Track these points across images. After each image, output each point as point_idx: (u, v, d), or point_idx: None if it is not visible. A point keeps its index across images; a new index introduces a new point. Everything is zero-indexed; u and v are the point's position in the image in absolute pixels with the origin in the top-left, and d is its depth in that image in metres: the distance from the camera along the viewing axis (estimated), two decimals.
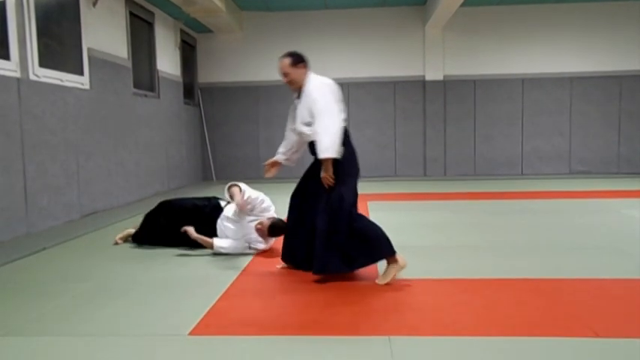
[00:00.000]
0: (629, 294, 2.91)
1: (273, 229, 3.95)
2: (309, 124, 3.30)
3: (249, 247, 4.08)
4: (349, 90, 10.00)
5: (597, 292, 2.95)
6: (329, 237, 3.19)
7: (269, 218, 4.04)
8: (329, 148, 3.14)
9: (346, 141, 3.28)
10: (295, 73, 3.38)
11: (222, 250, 4.01)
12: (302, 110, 3.35)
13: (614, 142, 9.96)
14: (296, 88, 3.42)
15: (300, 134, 3.44)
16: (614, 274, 3.31)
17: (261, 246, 4.09)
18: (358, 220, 3.28)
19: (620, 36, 9.76)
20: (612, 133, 9.95)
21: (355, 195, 3.37)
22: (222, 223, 4.17)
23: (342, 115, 3.29)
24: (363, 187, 8.72)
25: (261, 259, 3.91)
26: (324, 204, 3.24)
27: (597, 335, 2.32)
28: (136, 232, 4.45)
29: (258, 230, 4.02)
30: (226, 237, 4.12)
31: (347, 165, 3.27)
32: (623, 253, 3.87)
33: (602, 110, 9.92)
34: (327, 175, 3.19)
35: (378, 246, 3.20)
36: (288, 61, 3.40)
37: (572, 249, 4.03)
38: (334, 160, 3.18)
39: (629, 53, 9.77)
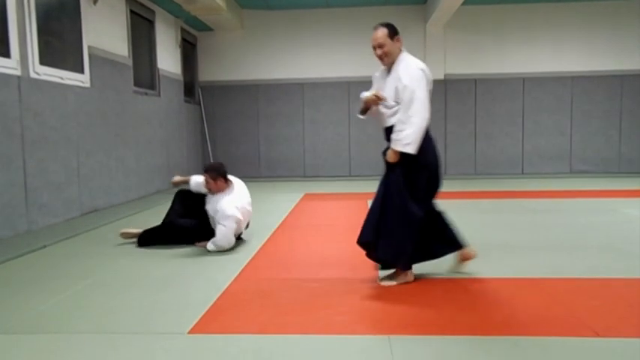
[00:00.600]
0: (630, 293, 2.90)
1: (206, 169, 4.15)
2: (389, 107, 3.09)
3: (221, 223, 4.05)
4: (350, 88, 10.00)
5: (598, 291, 2.95)
6: (378, 217, 3.06)
7: None
8: (409, 143, 2.93)
9: (425, 133, 3.03)
10: (392, 45, 3.10)
11: (215, 249, 4.03)
12: (387, 91, 3.09)
13: (615, 141, 9.95)
14: (387, 63, 3.15)
15: (378, 114, 3.20)
16: (615, 273, 3.31)
17: (229, 212, 4.01)
18: (409, 217, 3.02)
19: (622, 35, 9.74)
20: (613, 133, 9.94)
21: (418, 189, 3.05)
22: (214, 209, 4.17)
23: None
24: (362, 186, 8.77)
25: (261, 258, 3.90)
26: (382, 187, 3.10)
27: (598, 335, 2.31)
28: (145, 233, 4.38)
29: (206, 184, 4.15)
30: (219, 218, 4.08)
31: (420, 158, 3.01)
32: (623, 252, 3.87)
33: (603, 109, 9.91)
34: (392, 160, 3.03)
35: (402, 254, 3.07)
36: (385, 31, 3.10)
37: (573, 248, 4.02)
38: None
39: (631, 52, 9.75)
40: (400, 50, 3.15)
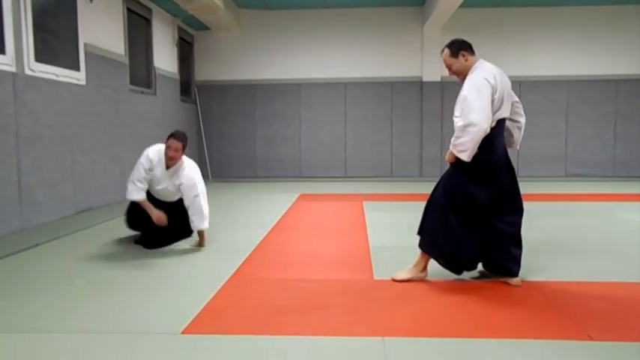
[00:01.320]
0: (624, 297, 2.91)
1: (180, 137, 3.99)
2: (457, 117, 3.10)
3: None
4: (347, 89, 10.00)
5: (592, 294, 2.95)
6: (424, 213, 3.24)
7: None
8: (464, 150, 2.95)
9: (490, 144, 3.00)
10: (457, 63, 3.15)
11: (207, 224, 4.10)
12: (457, 100, 3.12)
13: (610, 145, 9.98)
14: (462, 79, 3.18)
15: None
16: (609, 277, 3.31)
17: (198, 178, 4.12)
18: (446, 219, 3.09)
19: (618, 40, 9.78)
20: (608, 136, 9.97)
21: (468, 194, 3.06)
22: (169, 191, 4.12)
23: (504, 112, 3.05)
24: (358, 187, 8.74)
25: (256, 258, 3.89)
26: (437, 182, 3.25)
27: (591, 338, 2.32)
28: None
29: (174, 153, 3.97)
30: (190, 190, 4.07)
31: (473, 165, 3.01)
32: (618, 255, 3.88)
33: (598, 113, 9.94)
34: (447, 160, 3.11)
35: (442, 253, 3.14)
36: (447, 51, 3.17)
37: (567, 251, 4.03)
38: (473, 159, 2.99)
39: (627, 57, 9.79)
40: (471, 62, 3.14)
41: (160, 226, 4.11)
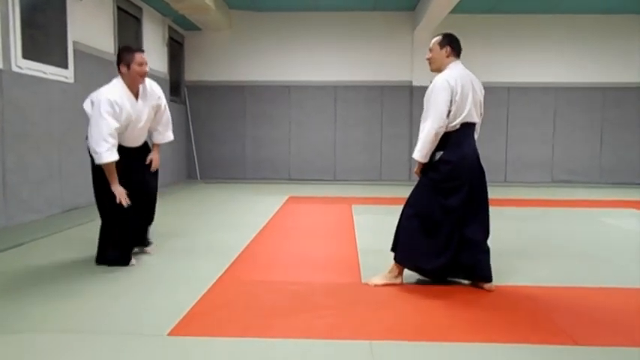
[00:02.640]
0: (609, 302, 2.94)
1: (141, 49, 3.75)
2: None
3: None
4: (337, 92, 10.02)
5: (577, 300, 2.98)
6: (398, 229, 3.27)
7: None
8: (418, 150, 3.09)
9: (456, 145, 3.11)
10: (437, 53, 3.20)
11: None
12: None
13: (597, 152, 10.11)
14: (432, 70, 3.26)
15: None
16: (594, 282, 3.35)
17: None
18: (406, 225, 3.17)
19: (607, 47, 9.92)
20: (595, 143, 10.10)
21: (431, 204, 3.09)
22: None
23: (469, 117, 3.12)
24: (347, 191, 8.72)
25: (243, 261, 3.88)
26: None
27: (576, 343, 2.34)
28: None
29: (145, 66, 3.49)
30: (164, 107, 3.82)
31: (439, 171, 3.11)
32: (603, 261, 3.92)
33: (585, 120, 10.07)
34: (415, 172, 3.23)
35: (406, 258, 3.16)
36: (438, 38, 3.21)
37: (553, 257, 4.06)
38: (438, 162, 3.11)
39: (615, 65, 9.94)
40: (449, 60, 3.19)
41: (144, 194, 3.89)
